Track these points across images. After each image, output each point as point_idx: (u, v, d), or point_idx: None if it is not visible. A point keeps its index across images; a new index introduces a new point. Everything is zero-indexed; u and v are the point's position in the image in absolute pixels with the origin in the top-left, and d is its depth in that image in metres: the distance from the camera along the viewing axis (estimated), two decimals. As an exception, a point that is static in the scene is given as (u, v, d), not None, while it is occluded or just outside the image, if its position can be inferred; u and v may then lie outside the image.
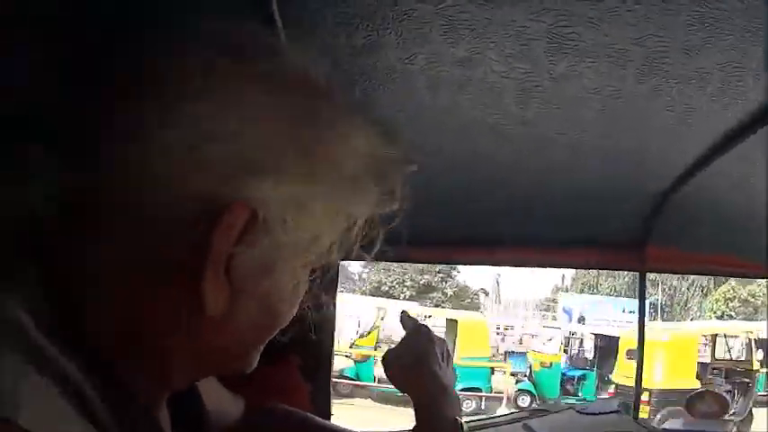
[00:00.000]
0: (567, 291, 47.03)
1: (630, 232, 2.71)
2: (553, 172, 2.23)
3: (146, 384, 0.82)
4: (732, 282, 44.24)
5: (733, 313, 43.43)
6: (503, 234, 2.61)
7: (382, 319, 22.98)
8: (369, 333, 22.96)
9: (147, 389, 0.83)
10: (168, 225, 0.75)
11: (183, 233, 0.74)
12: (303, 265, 0.87)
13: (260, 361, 0.91)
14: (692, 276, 41.54)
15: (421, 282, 43.30)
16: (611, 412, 3.15)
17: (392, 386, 1.41)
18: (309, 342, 2.15)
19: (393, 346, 1.46)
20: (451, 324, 22.14)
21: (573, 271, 43.40)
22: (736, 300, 44.74)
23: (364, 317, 24.33)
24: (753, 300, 43.03)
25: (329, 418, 2.21)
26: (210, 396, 1.15)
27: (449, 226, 2.53)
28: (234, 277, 0.77)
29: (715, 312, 44.42)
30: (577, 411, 3.18)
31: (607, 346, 21.48)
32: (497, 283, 47.12)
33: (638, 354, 3.13)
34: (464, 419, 1.25)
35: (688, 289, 46.04)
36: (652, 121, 1.96)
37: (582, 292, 46.46)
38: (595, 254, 2.78)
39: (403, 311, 1.53)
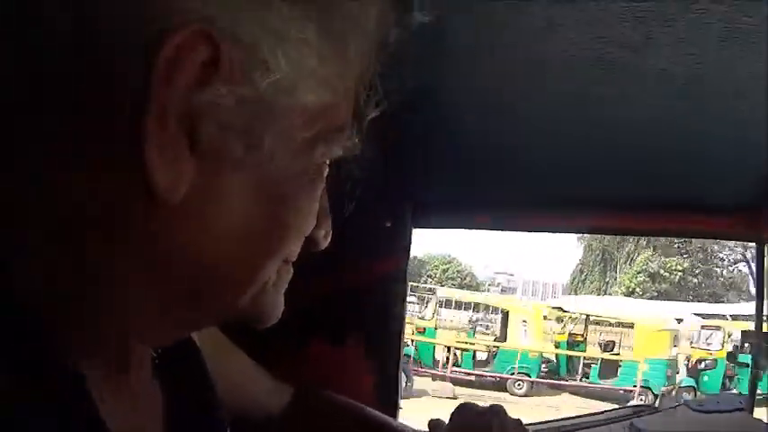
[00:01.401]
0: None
1: (748, 198, 2.29)
2: (665, 112, 1.86)
3: (86, 344, 0.63)
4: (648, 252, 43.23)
5: (639, 290, 42.75)
6: (610, 195, 2.30)
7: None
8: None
9: (98, 349, 0.65)
10: (104, 74, 0.54)
11: (122, 83, 0.54)
12: (311, 146, 0.66)
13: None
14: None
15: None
16: (734, 410, 2.79)
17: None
18: (375, 321, 1.97)
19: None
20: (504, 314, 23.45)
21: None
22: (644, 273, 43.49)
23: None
24: (667, 275, 42.01)
25: (396, 411, 1.98)
26: (246, 383, 1.10)
27: (555, 184, 2.24)
28: (198, 145, 0.57)
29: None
30: (692, 409, 2.85)
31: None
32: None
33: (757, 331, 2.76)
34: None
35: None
36: None
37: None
38: (712, 221, 2.39)
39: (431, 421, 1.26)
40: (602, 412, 3.31)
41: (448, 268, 53.88)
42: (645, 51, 1.45)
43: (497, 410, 1.15)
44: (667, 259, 45.92)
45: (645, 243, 46.34)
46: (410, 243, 2.05)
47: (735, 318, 25.51)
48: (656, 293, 44.15)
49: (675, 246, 45.58)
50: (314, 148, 0.66)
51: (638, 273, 46.34)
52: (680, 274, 46.12)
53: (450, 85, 1.73)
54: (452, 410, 1.21)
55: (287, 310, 0.77)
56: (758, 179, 2.20)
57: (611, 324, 28.59)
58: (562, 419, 2.69)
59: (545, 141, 1.98)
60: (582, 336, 24.24)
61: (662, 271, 45.82)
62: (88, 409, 0.60)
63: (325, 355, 1.89)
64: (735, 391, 20.58)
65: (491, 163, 2.09)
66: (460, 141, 1.97)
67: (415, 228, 2.10)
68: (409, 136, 1.87)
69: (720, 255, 48.23)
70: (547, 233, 2.57)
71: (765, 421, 2.67)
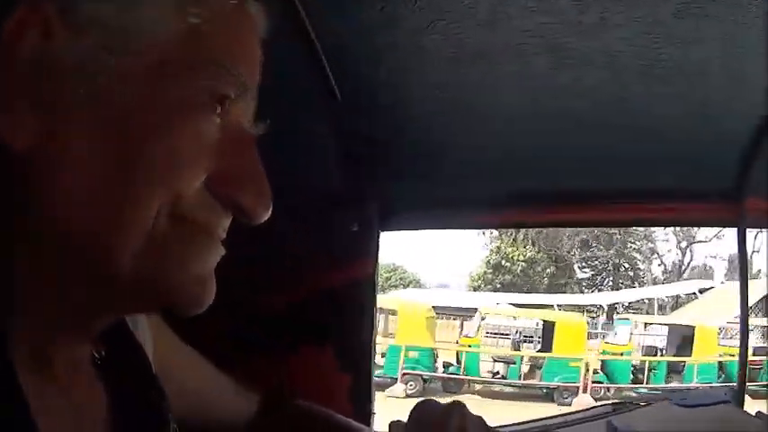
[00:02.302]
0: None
1: (726, 182, 2.27)
2: (632, 101, 1.88)
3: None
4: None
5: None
6: (585, 186, 2.27)
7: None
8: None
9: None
10: None
11: None
12: (156, 78, 0.69)
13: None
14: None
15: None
16: (718, 403, 2.76)
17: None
18: (347, 327, 1.94)
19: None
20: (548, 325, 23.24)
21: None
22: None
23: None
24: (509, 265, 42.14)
25: (370, 417, 1.97)
26: (206, 389, 1.09)
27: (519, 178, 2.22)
28: (38, 99, 0.65)
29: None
30: (675, 404, 2.82)
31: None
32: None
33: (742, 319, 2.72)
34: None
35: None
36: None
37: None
38: (690, 207, 2.37)
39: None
40: (579, 411, 3.29)
41: (391, 276, 53.78)
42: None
43: (458, 407, 1.10)
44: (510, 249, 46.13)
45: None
46: (378, 247, 2.01)
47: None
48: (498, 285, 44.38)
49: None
50: (161, 80, 0.69)
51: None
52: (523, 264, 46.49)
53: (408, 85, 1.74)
54: (411, 408, 1.17)
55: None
56: (735, 163, 2.19)
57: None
58: (538, 420, 2.67)
59: (505, 139, 1.99)
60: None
61: (503, 261, 46.18)
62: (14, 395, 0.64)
63: (299, 363, 1.87)
64: (650, 384, 21.58)
65: (455, 162, 2.07)
66: (424, 142, 1.96)
67: (382, 231, 2.06)
68: (374, 139, 1.87)
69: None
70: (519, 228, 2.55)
71: (753, 414, 2.65)
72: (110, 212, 0.68)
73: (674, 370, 22.18)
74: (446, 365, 22.40)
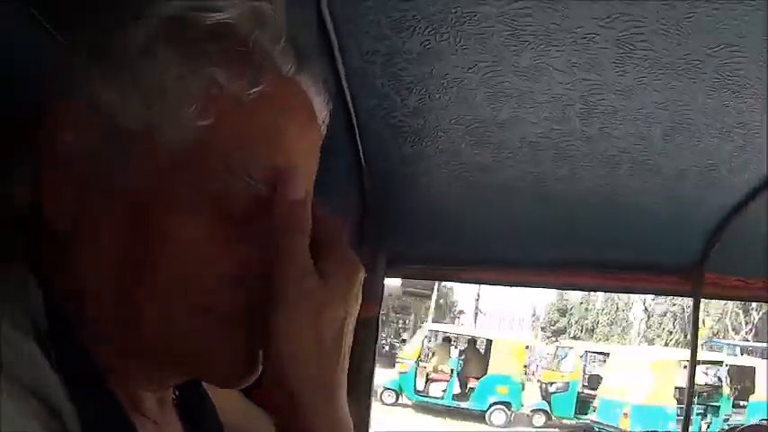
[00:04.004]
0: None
1: (687, 256, 2.59)
2: (614, 190, 2.16)
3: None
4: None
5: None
6: (564, 256, 2.54)
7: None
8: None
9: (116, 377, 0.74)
10: None
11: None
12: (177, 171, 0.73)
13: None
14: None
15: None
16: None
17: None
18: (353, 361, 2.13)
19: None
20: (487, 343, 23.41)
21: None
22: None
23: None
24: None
25: None
26: (233, 413, 1.06)
27: (511, 246, 2.48)
28: (79, 183, 0.72)
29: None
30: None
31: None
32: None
33: (690, 377, 3.02)
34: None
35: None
36: (720, 138, 1.87)
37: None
38: (651, 278, 2.67)
39: None
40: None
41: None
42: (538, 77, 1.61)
43: None
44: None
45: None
46: (383, 292, 2.25)
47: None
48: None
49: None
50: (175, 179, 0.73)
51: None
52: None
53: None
54: None
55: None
56: (694, 239, 2.50)
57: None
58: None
59: (495, 209, 2.25)
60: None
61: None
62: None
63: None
64: (591, 416, 21.60)
65: (451, 222, 2.33)
66: (430, 201, 2.18)
67: (387, 277, 2.31)
68: (386, 193, 2.08)
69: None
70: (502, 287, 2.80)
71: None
72: (128, 293, 0.73)
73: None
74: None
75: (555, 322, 48.49)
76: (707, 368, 21.18)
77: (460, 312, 49.71)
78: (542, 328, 48.70)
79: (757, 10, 1.29)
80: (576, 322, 47.67)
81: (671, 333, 42.76)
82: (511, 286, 2.70)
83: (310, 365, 0.73)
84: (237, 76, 0.74)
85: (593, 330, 46.79)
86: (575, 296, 48.22)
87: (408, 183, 2.07)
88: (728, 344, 32.20)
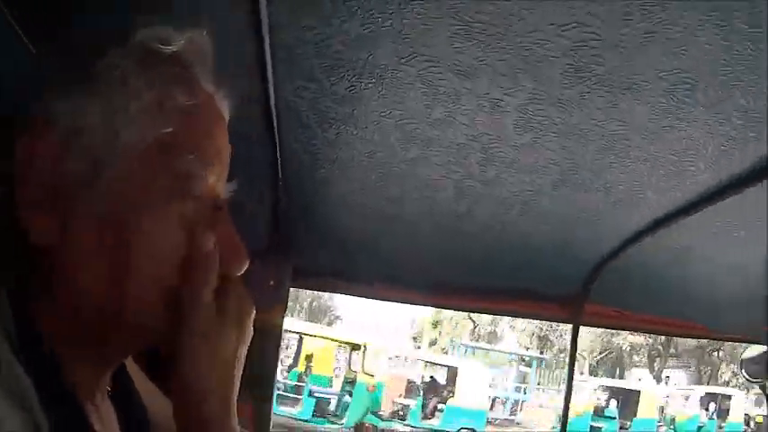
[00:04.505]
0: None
1: (572, 287, 2.82)
2: (506, 227, 2.31)
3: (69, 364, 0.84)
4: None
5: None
6: (456, 281, 2.70)
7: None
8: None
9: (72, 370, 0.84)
10: None
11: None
12: (144, 170, 0.86)
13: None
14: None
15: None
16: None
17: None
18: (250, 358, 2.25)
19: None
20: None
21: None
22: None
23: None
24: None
25: None
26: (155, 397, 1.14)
27: (409, 269, 2.63)
28: (57, 200, 0.82)
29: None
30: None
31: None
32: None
33: (566, 401, 3.24)
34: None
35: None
36: (603, 193, 2.04)
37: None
38: (539, 305, 2.90)
39: None
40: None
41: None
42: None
43: None
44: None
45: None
46: (287, 301, 2.37)
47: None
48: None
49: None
50: (143, 176, 0.85)
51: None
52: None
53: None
54: None
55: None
56: (582, 271, 2.72)
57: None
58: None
59: (398, 231, 2.37)
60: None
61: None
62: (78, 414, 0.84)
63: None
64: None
65: (356, 240, 2.46)
66: (339, 218, 2.29)
67: (292, 288, 2.43)
68: (296, 208, 2.17)
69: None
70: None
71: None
72: (114, 290, 0.84)
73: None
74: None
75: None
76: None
77: (336, 318, 49.62)
78: (414, 338, 49.14)
79: (720, 40, 1.31)
80: (449, 334, 48.15)
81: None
82: (400, 303, 2.83)
83: (208, 384, 0.90)
84: (183, 92, 0.88)
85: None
86: (449, 312, 48.54)
87: (317, 202, 2.16)
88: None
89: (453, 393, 23.73)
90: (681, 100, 1.51)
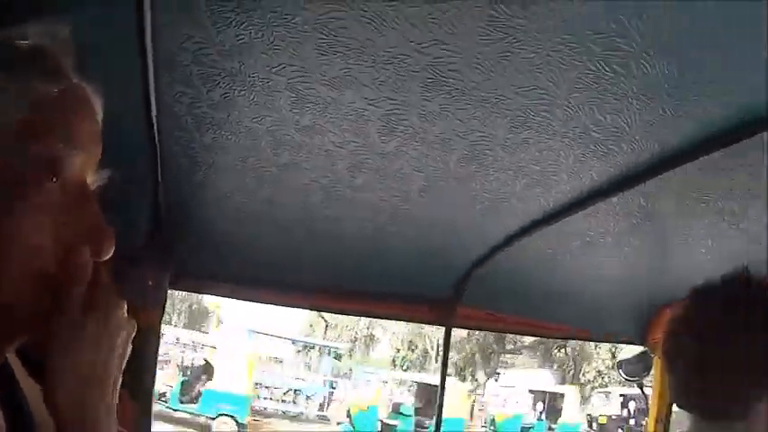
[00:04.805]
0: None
1: (443, 291, 2.95)
2: (377, 233, 2.40)
3: None
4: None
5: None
6: (327, 282, 2.79)
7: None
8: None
9: None
10: None
11: None
12: None
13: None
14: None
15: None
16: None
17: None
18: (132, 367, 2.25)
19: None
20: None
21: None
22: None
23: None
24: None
25: None
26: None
27: (284, 272, 2.70)
28: None
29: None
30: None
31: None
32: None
33: (440, 399, 3.35)
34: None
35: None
36: (469, 201, 2.14)
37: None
38: (411, 308, 3.03)
39: None
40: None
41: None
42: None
43: None
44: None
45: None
46: (165, 302, 2.40)
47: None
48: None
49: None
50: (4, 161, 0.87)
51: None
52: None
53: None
54: None
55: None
56: (452, 276, 2.83)
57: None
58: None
59: (273, 234, 2.43)
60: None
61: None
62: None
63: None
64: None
65: (233, 243, 2.51)
66: (216, 220, 2.34)
67: (171, 289, 2.47)
68: (175, 210, 2.21)
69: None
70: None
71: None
72: None
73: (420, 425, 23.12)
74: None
75: (307, 335, 48.94)
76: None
77: (219, 322, 49.13)
78: (293, 341, 49.10)
79: (574, 61, 1.41)
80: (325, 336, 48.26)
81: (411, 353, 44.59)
82: (276, 305, 2.87)
83: (76, 387, 0.93)
84: (45, 82, 0.91)
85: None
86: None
87: (195, 205, 2.20)
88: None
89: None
90: (539, 114, 1.62)
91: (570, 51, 1.39)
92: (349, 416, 22.82)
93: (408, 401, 27.47)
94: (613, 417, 28.75)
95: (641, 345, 3.64)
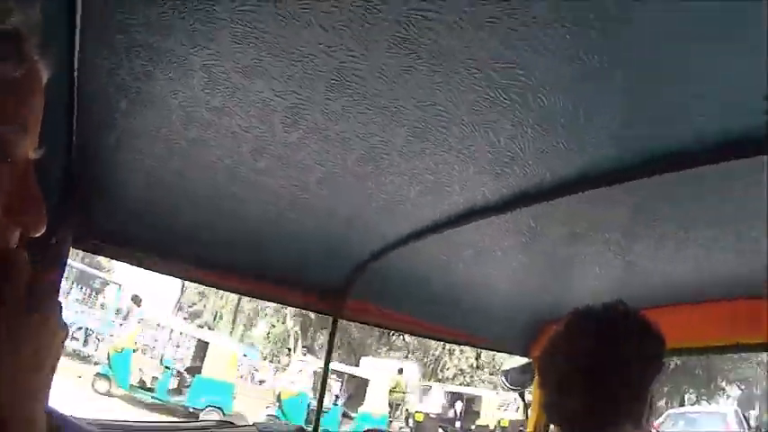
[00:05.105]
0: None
1: (335, 282, 3.06)
2: (278, 217, 2.48)
3: None
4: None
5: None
6: (225, 261, 2.86)
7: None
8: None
9: None
10: None
11: None
12: None
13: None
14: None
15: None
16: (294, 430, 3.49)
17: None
18: None
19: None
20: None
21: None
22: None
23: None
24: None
25: None
26: None
27: (183, 243, 2.75)
28: None
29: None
30: (260, 430, 3.47)
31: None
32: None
33: (322, 386, 3.44)
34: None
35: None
36: (366, 199, 2.25)
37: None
38: (301, 294, 3.14)
39: None
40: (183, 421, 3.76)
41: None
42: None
43: None
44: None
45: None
46: (66, 259, 2.42)
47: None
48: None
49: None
50: None
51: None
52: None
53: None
54: None
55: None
56: (345, 269, 2.94)
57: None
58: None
59: (179, 204, 2.48)
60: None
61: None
62: None
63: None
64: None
65: (138, 208, 2.56)
66: (126, 185, 2.39)
67: (74, 248, 2.50)
68: (86, 170, 2.24)
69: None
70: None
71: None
72: None
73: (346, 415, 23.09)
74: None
75: (193, 304, 48.54)
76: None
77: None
78: (180, 308, 48.27)
79: (473, 85, 1.51)
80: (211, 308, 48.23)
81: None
82: (167, 275, 2.92)
83: (10, 381, 0.92)
84: (11, 65, 0.90)
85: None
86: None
87: (105, 168, 2.24)
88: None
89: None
90: (436, 129, 1.73)
91: (470, 75, 1.50)
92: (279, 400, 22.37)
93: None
94: (432, 415, 28.17)
95: (526, 356, 3.78)
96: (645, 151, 1.78)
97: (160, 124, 1.93)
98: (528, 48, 1.40)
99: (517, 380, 3.82)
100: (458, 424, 28.43)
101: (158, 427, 3.60)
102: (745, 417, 23.58)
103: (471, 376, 41.46)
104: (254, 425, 3.65)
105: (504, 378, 4.00)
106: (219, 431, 3.70)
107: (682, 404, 37.52)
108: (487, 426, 27.78)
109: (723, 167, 1.72)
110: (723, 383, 43.49)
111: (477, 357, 41.51)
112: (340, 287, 3.08)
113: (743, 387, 44.86)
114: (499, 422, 27.62)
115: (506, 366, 4.28)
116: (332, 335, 3.39)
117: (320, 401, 3.53)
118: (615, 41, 1.37)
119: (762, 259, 2.39)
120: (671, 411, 26.21)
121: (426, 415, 27.67)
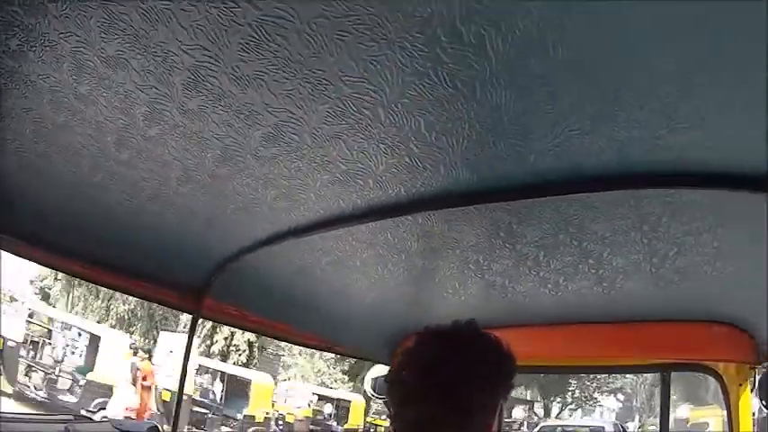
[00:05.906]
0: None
1: (194, 280, 3.08)
2: (140, 210, 2.48)
3: None
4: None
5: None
6: (83, 249, 2.80)
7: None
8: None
9: None
10: None
11: None
12: None
13: None
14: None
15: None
16: (147, 429, 3.46)
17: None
18: None
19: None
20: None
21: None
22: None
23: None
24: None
25: None
26: None
27: (43, 224, 2.67)
28: None
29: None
30: (115, 427, 3.45)
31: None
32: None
33: (180, 384, 3.42)
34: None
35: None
36: (223, 199, 2.30)
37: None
38: (161, 290, 3.12)
39: None
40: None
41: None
42: None
43: None
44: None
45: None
46: None
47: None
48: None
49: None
50: None
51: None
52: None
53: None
54: None
55: None
56: (204, 267, 2.91)
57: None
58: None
59: (45, 189, 2.44)
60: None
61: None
62: None
63: None
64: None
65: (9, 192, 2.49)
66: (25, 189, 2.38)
67: None
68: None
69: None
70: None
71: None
72: None
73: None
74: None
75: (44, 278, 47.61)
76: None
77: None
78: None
79: (324, 95, 1.57)
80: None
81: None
82: (34, 262, 2.87)
83: None
84: None
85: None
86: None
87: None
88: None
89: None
90: (289, 135, 1.82)
91: (320, 85, 1.56)
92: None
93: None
94: (300, 418, 28.60)
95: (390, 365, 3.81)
96: (499, 175, 1.80)
97: (29, 106, 1.91)
98: (377, 64, 1.41)
99: (382, 389, 3.86)
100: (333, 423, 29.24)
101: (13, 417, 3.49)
102: (623, 428, 24.13)
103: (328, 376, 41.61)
104: (108, 421, 3.62)
105: (369, 387, 4.03)
106: (77, 425, 3.66)
107: (558, 416, 38.35)
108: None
109: (584, 197, 1.77)
110: (600, 396, 44.71)
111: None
112: (198, 285, 3.10)
113: (622, 399, 46.31)
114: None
115: (373, 375, 4.31)
116: (191, 331, 3.44)
117: (179, 398, 3.50)
118: (466, 65, 1.42)
119: (621, 286, 2.46)
120: (544, 424, 26.76)
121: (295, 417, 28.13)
